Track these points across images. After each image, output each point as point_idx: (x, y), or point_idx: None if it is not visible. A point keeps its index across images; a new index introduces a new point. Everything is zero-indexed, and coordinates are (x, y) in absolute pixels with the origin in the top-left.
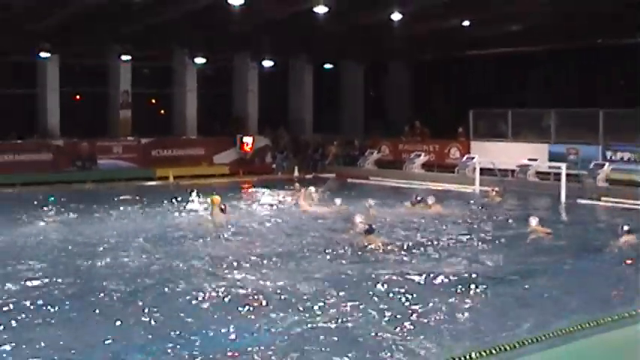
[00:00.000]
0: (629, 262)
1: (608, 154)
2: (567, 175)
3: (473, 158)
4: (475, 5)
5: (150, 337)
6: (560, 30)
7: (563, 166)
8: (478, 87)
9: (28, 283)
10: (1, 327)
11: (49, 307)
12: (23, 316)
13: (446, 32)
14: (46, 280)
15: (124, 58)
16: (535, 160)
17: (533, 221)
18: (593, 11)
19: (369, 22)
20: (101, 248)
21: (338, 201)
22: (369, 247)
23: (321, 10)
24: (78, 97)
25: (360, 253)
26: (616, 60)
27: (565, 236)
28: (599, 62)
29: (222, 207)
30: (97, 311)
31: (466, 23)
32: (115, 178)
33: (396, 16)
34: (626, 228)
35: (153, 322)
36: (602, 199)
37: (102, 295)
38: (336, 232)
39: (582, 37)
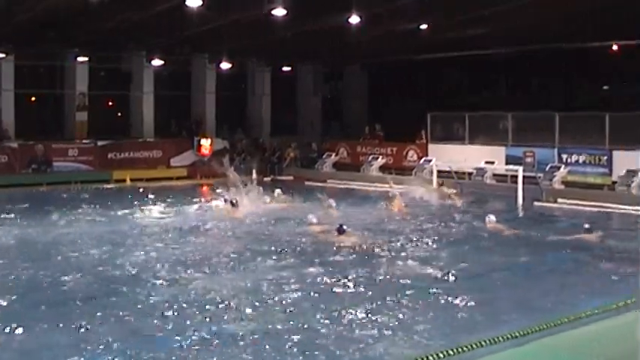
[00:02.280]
0: None
1: (564, 156)
2: (524, 177)
3: (430, 161)
4: (432, 9)
5: (93, 343)
6: (516, 34)
7: (520, 168)
8: (435, 90)
9: None
10: None
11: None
12: None
13: (403, 35)
14: None
15: (81, 59)
16: (492, 162)
17: (493, 218)
18: (550, 16)
19: (327, 26)
20: (54, 251)
21: (277, 190)
22: (339, 245)
23: (279, 13)
24: (33, 98)
25: (328, 252)
26: (573, 63)
27: (525, 236)
28: (555, 66)
29: (234, 202)
30: (48, 315)
31: (423, 27)
32: (71, 180)
33: (354, 20)
34: (586, 226)
35: (99, 329)
36: (559, 200)
37: (53, 298)
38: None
39: (539, 41)
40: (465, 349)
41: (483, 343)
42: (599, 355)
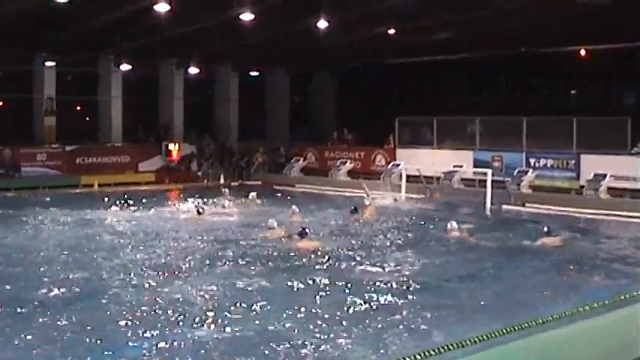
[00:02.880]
0: None
1: (532, 160)
2: (492, 181)
3: (398, 165)
4: (400, 14)
5: (66, 348)
6: (485, 38)
7: (489, 172)
8: (403, 94)
9: None
10: None
11: None
12: None
13: (371, 40)
14: None
15: (48, 64)
16: (460, 166)
17: (454, 225)
18: (519, 21)
19: (295, 31)
20: (21, 256)
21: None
22: (300, 250)
23: (246, 17)
24: (1, 103)
25: (290, 257)
26: (539, 68)
27: (489, 240)
28: (523, 70)
29: (200, 210)
30: (13, 321)
31: (391, 32)
32: (39, 185)
33: (322, 24)
34: (545, 230)
35: (69, 333)
36: (527, 204)
37: (19, 304)
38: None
39: (507, 45)
40: (439, 350)
41: (455, 345)
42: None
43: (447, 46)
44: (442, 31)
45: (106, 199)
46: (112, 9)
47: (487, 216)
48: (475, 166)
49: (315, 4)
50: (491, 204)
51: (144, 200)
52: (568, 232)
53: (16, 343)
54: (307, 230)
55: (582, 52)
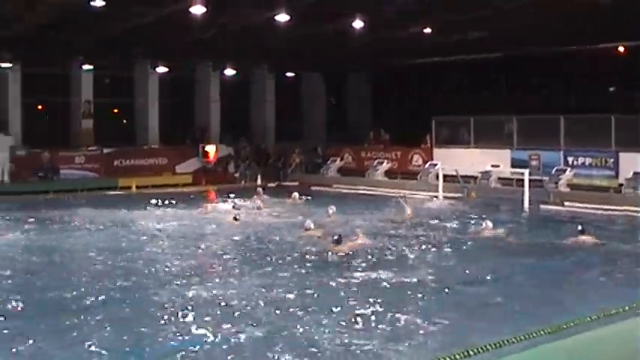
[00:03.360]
0: None
1: (570, 159)
2: (530, 180)
3: (435, 165)
4: (436, 13)
5: (105, 349)
6: (520, 37)
7: (526, 172)
8: (440, 94)
9: None
10: None
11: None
12: None
13: (407, 40)
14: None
15: (86, 67)
16: (497, 166)
17: (489, 224)
18: (554, 18)
19: (330, 31)
20: (59, 257)
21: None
22: (336, 251)
23: (282, 18)
24: (40, 107)
25: (326, 257)
26: (575, 66)
27: (526, 239)
28: (559, 68)
29: (237, 217)
30: (52, 322)
31: (427, 31)
32: (78, 188)
33: (358, 24)
34: (579, 228)
35: (107, 334)
36: (565, 203)
37: (57, 305)
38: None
39: (543, 43)
40: (477, 351)
41: (489, 347)
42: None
43: (479, 44)
44: (475, 28)
45: (144, 200)
46: (148, 11)
47: (525, 215)
48: (512, 165)
49: (351, 4)
50: (529, 203)
51: (181, 202)
52: (606, 230)
53: (61, 342)
54: (342, 236)
55: (621, 49)
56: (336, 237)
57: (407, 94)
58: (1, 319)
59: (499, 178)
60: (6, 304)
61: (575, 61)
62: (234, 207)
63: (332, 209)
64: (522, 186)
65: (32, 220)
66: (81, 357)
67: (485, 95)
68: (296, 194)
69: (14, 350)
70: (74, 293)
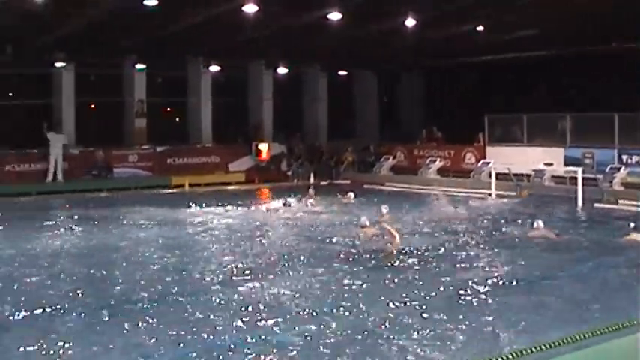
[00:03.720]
0: None
1: (624, 157)
2: (583, 179)
3: (488, 163)
4: (489, 10)
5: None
6: (574, 34)
7: (579, 170)
8: (492, 92)
9: (43, 292)
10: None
11: (64, 316)
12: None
13: (459, 38)
14: (62, 289)
15: (139, 67)
16: (551, 164)
17: (540, 224)
18: (607, 14)
19: (383, 29)
20: (116, 256)
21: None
22: (392, 248)
23: (335, 17)
24: (93, 106)
25: (381, 254)
26: (630, 63)
27: (578, 239)
28: (614, 66)
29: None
30: (109, 319)
31: (480, 28)
32: (131, 186)
33: (410, 22)
34: (632, 226)
35: (164, 330)
36: (620, 202)
37: (114, 302)
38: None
39: (596, 41)
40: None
41: (543, 347)
42: None
43: (538, 42)
44: (533, 27)
45: (196, 199)
46: (201, 10)
47: (578, 214)
48: (566, 163)
49: (404, 2)
50: (583, 202)
51: (234, 200)
52: None
53: (120, 340)
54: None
55: None
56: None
57: (459, 93)
58: (60, 315)
59: (552, 177)
60: (63, 302)
61: (630, 58)
62: (284, 204)
63: (385, 208)
64: (576, 184)
65: (86, 218)
66: (138, 354)
67: (538, 93)
68: (351, 194)
69: (68, 345)
70: (131, 290)
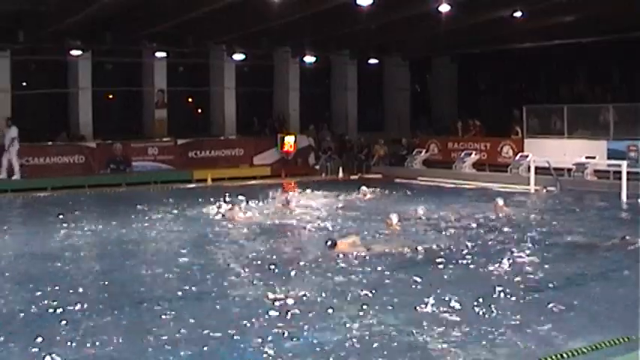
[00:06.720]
0: None
1: None
2: (627, 173)
3: (527, 157)
4: None
5: (181, 345)
6: (616, 20)
7: (624, 163)
8: (528, 81)
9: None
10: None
11: (79, 314)
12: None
13: (494, 24)
14: (74, 286)
15: (159, 55)
16: (593, 157)
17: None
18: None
19: (414, 15)
20: (135, 251)
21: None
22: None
23: (364, 2)
24: (111, 96)
25: (409, 253)
26: None
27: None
28: None
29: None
30: (129, 317)
31: (518, 14)
32: (151, 180)
33: (444, 8)
34: None
35: (184, 330)
36: None
37: (132, 299)
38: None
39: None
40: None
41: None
42: None
43: (577, 29)
44: (572, 12)
45: (220, 193)
46: None
47: (622, 210)
48: (609, 156)
49: None
50: (627, 197)
51: (259, 195)
52: None
53: (138, 338)
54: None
55: None
56: (329, 242)
57: (495, 82)
58: (78, 312)
59: (594, 171)
60: (83, 299)
61: None
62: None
63: (422, 209)
64: (619, 179)
65: (104, 213)
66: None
67: (579, 82)
68: (364, 188)
69: (89, 344)
70: (153, 287)
